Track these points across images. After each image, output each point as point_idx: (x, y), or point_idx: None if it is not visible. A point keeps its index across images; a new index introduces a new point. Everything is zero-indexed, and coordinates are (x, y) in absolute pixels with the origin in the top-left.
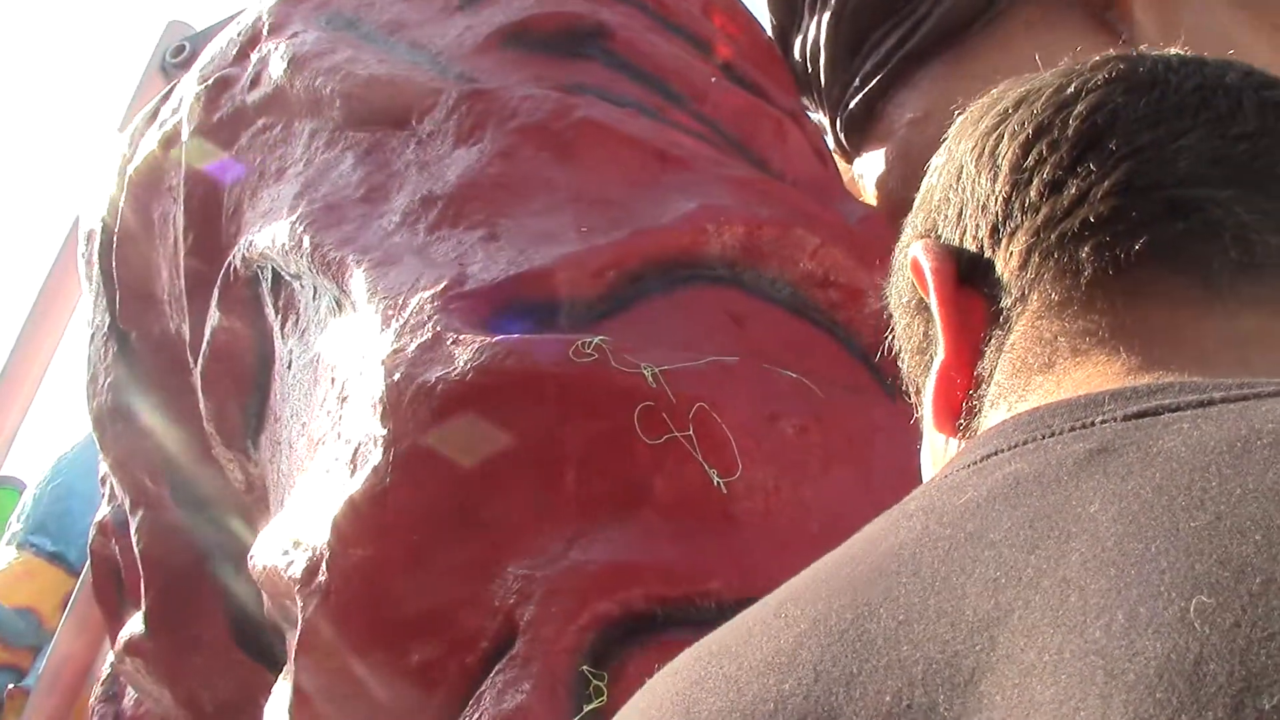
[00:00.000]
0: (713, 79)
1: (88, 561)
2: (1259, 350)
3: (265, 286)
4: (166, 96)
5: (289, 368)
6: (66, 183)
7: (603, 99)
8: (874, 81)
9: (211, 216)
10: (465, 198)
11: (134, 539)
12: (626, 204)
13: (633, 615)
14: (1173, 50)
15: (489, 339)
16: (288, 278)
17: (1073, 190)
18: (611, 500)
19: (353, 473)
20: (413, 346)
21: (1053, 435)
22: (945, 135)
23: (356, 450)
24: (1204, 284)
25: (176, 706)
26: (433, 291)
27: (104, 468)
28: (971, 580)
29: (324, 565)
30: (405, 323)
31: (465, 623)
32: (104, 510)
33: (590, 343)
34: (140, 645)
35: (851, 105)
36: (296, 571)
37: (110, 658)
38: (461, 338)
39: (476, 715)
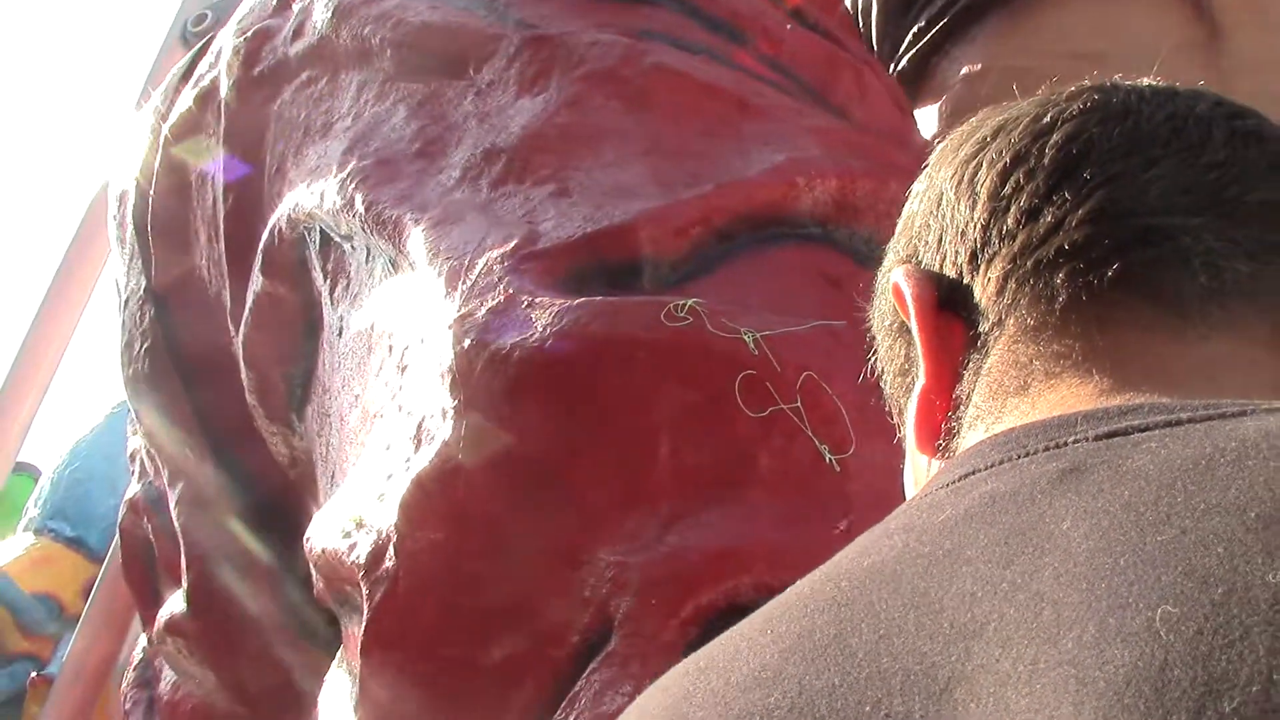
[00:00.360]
0: (787, 25)
1: (111, 546)
2: (1228, 374)
3: (313, 249)
4: (202, 52)
5: (339, 335)
6: (84, 161)
7: (673, 45)
8: (928, 37)
9: (253, 177)
10: (531, 150)
11: (174, 513)
12: (707, 156)
13: (739, 607)
14: (1145, 81)
15: (569, 301)
16: (338, 239)
17: (1048, 218)
18: (711, 478)
19: (417, 448)
20: (483, 310)
21: (1027, 455)
22: (927, 161)
23: (421, 424)
24: (1175, 310)
25: (220, 689)
26: (502, 251)
27: (134, 444)
28: (949, 595)
29: (390, 550)
30: (473, 285)
31: (551, 614)
32: (134, 488)
33: (683, 305)
34: (182, 625)
35: (903, 61)
36: (360, 556)
37: (142, 642)
38: (538, 300)
39: (572, 719)
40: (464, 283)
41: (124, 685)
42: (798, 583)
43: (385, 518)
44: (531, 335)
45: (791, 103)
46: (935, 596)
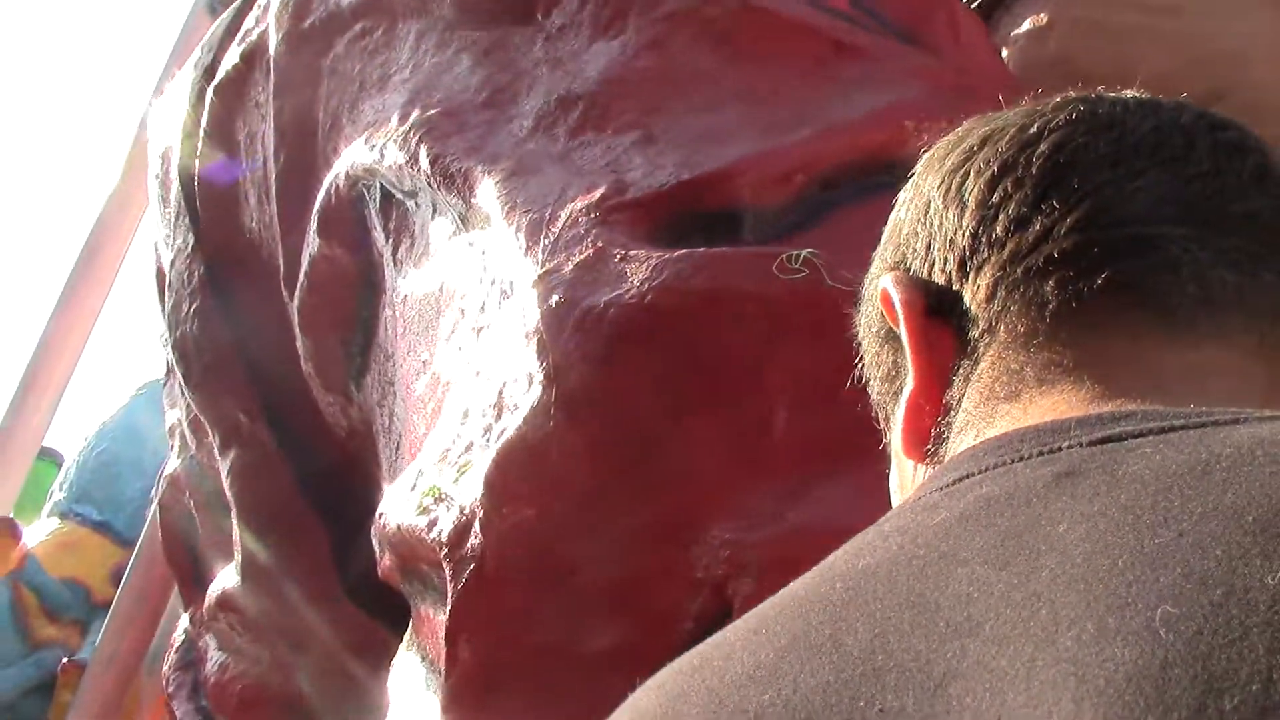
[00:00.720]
0: None
1: (141, 530)
2: (1216, 382)
3: (372, 207)
4: (248, 6)
5: (403, 298)
6: (102, 143)
7: None
8: None
9: (306, 133)
10: (611, 96)
11: (226, 483)
12: (805, 100)
13: None
14: (1129, 93)
15: (668, 253)
16: (400, 196)
17: (1037, 226)
18: (834, 448)
19: (499, 417)
20: (570, 266)
21: (1021, 460)
22: (913, 171)
23: (502, 391)
24: (1163, 318)
25: (275, 667)
26: (587, 202)
27: (171, 418)
28: (945, 596)
29: (476, 527)
30: (556, 239)
31: (659, 599)
32: (173, 463)
33: (798, 255)
34: (235, 600)
35: None
36: (442, 533)
37: (182, 624)
38: (632, 253)
39: None
40: (546, 237)
41: (166, 668)
42: (791, 584)
43: (468, 492)
44: (627, 291)
45: (888, 43)
46: (931, 597)
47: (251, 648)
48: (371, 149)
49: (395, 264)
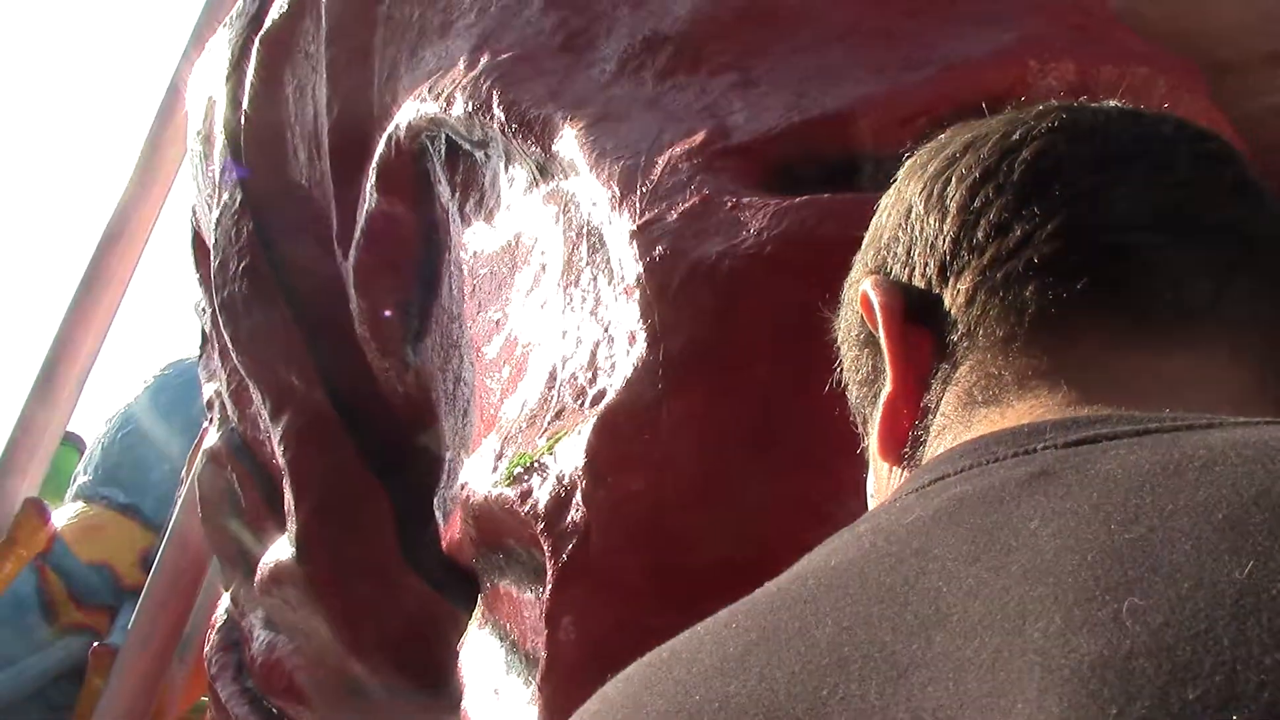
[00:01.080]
0: None
1: (172, 512)
2: (1190, 389)
3: (437, 160)
4: None
5: (472, 255)
6: (125, 123)
7: None
8: None
9: (360, 84)
10: (704, 36)
11: (278, 449)
12: (919, 37)
13: None
14: (1111, 102)
15: (787, 200)
16: (468, 147)
17: (1018, 232)
18: None
19: (594, 380)
20: (674, 214)
21: (997, 460)
22: (895, 176)
23: (596, 351)
24: (1141, 324)
25: (332, 641)
26: (687, 147)
27: (209, 390)
28: (915, 590)
29: (578, 499)
30: (655, 186)
31: None
32: (211, 438)
33: None
34: (289, 572)
35: None
36: (538, 505)
37: (224, 603)
38: (744, 201)
39: None
40: (643, 184)
41: (207, 649)
42: (766, 584)
43: (566, 462)
44: (743, 241)
45: None
46: (901, 592)
47: (306, 622)
48: (436, 98)
49: (462, 219)
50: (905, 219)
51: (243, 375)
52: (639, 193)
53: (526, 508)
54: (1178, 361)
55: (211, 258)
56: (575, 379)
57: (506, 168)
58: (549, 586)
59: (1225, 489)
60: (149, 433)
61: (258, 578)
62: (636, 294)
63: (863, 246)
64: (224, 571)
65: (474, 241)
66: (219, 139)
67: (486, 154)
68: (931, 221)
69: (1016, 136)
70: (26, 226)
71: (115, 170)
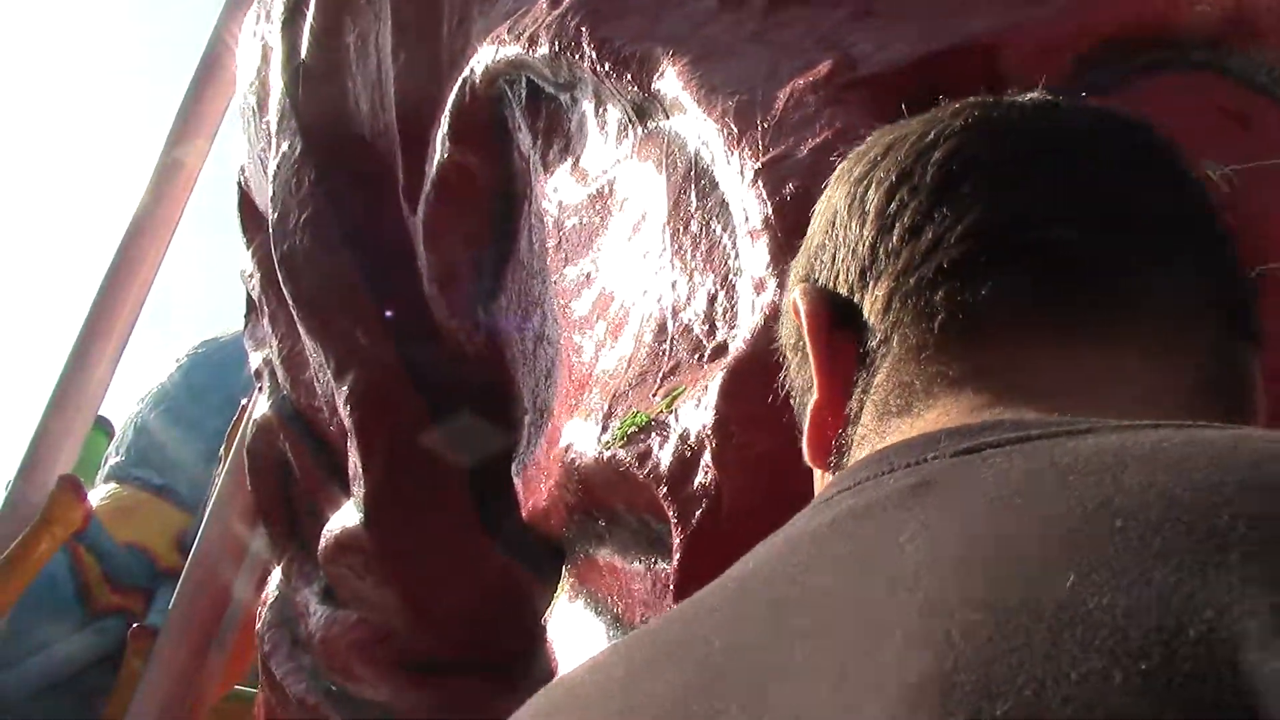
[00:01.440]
0: None
1: (211, 492)
2: (1101, 387)
3: (516, 106)
4: None
5: (557, 206)
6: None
7: None
8: None
9: (429, 30)
10: None
11: (343, 410)
12: None
13: None
14: (1031, 95)
15: None
16: (552, 90)
17: (929, 235)
18: None
19: (712, 332)
20: (804, 150)
21: (890, 472)
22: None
23: (715, 300)
24: (1054, 324)
25: (401, 610)
26: (811, 79)
27: (256, 359)
28: (796, 603)
29: (706, 459)
30: (779, 121)
31: None
32: (261, 407)
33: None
34: (356, 539)
35: None
36: (659, 466)
37: (274, 580)
38: None
39: None
40: (764, 120)
41: (259, 626)
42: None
43: (690, 420)
44: None
45: None
46: (786, 603)
47: (373, 591)
48: (517, 39)
49: (544, 168)
50: (830, 225)
51: (299, 338)
52: (760, 128)
53: (646, 470)
54: (1090, 360)
55: (270, 211)
56: (690, 331)
57: (597, 111)
58: (677, 555)
59: (1073, 501)
60: (183, 412)
61: (322, 545)
62: (764, 237)
63: (796, 256)
64: (274, 546)
65: (559, 191)
66: (275, 89)
67: (573, 97)
68: (853, 226)
69: (931, 136)
70: (65, 200)
71: (149, 140)
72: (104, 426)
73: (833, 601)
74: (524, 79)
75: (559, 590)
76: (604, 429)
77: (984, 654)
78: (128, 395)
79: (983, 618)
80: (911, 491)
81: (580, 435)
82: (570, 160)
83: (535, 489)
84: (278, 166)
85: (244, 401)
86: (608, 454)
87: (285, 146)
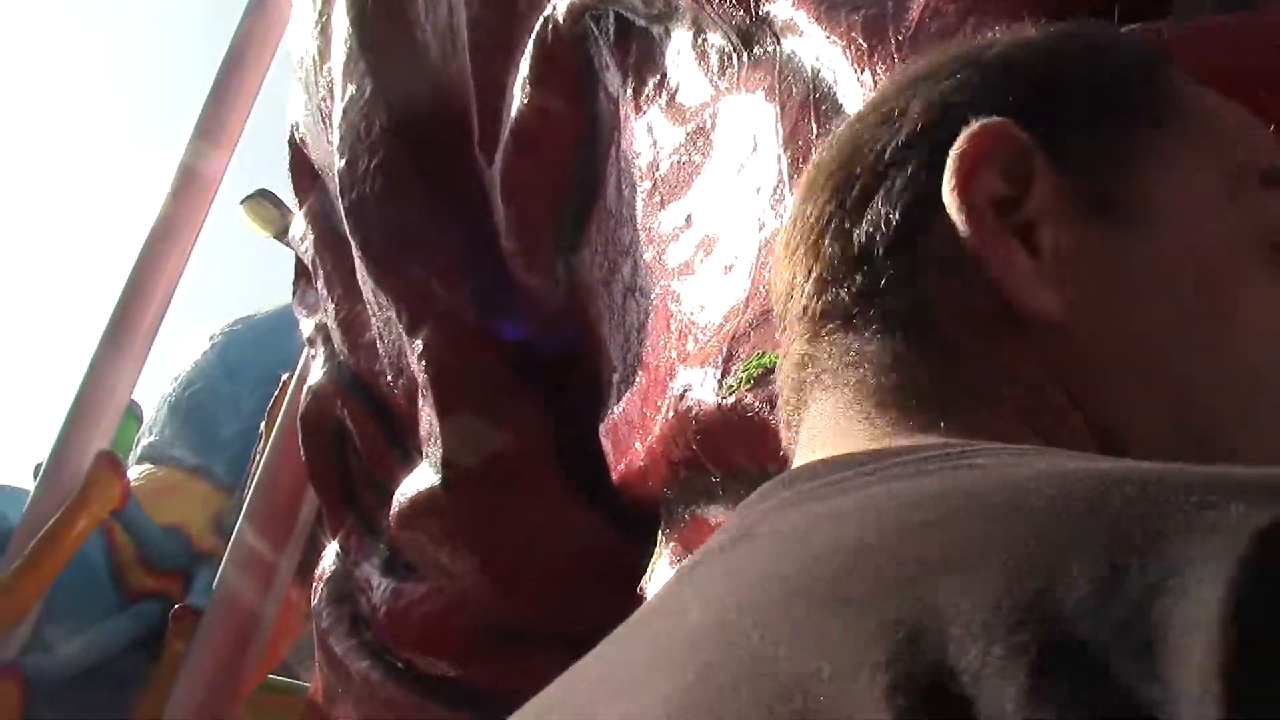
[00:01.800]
0: None
1: (253, 472)
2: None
3: (604, 43)
4: None
5: (651, 146)
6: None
7: None
8: None
9: None
10: None
11: (417, 365)
12: None
13: None
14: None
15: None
16: (643, 24)
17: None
18: None
19: None
20: None
21: (736, 519)
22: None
23: None
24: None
25: (483, 576)
26: None
27: (308, 326)
28: (619, 658)
29: None
30: (913, 33)
31: None
32: (315, 374)
33: None
34: (435, 501)
35: None
36: None
37: (330, 554)
38: None
39: None
40: (897, 33)
41: (315, 603)
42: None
43: None
44: None
45: None
46: (611, 659)
47: (451, 558)
48: None
49: (636, 108)
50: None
51: (357, 300)
52: (894, 41)
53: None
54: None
55: (336, 158)
56: None
57: (695, 41)
58: None
59: (807, 559)
60: (219, 389)
61: (394, 510)
62: None
63: None
64: (330, 518)
65: (653, 130)
66: (338, 33)
67: (667, 29)
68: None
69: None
70: (100, 175)
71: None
72: (134, 411)
73: (625, 667)
74: (611, 13)
75: (656, 554)
76: (724, 372)
77: (685, 716)
78: (157, 377)
79: (699, 677)
80: (732, 543)
81: (698, 382)
82: (665, 97)
83: (628, 449)
84: (344, 111)
85: (284, 377)
86: (730, 399)
87: (354, 89)
